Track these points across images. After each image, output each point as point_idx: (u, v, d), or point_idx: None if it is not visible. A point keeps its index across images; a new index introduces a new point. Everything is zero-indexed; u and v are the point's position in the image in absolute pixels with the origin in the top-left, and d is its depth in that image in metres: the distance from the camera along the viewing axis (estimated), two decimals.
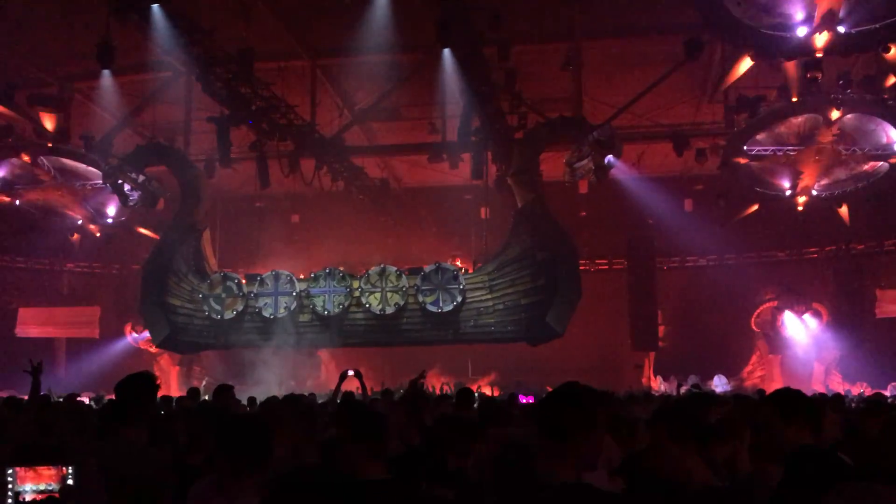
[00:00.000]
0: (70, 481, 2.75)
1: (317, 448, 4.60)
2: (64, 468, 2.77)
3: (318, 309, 18.12)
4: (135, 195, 19.01)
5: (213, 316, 18.37)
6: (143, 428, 3.68)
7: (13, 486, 2.62)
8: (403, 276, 17.97)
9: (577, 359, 21.15)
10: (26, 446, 3.76)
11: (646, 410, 7.14)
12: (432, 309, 17.58)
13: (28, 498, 2.67)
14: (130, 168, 18.42)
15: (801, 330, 23.88)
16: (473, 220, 22.30)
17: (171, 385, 24.87)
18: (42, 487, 2.71)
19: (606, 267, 25.87)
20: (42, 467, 2.76)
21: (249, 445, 2.96)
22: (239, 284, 18.54)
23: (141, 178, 18.64)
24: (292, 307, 18.19)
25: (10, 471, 2.67)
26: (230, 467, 2.87)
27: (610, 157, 16.32)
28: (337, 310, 18.04)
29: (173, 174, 19.75)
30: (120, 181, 18.47)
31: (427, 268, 17.93)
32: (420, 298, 17.66)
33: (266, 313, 18.22)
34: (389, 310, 17.79)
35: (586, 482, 2.60)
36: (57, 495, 2.67)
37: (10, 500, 2.63)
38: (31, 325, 25.26)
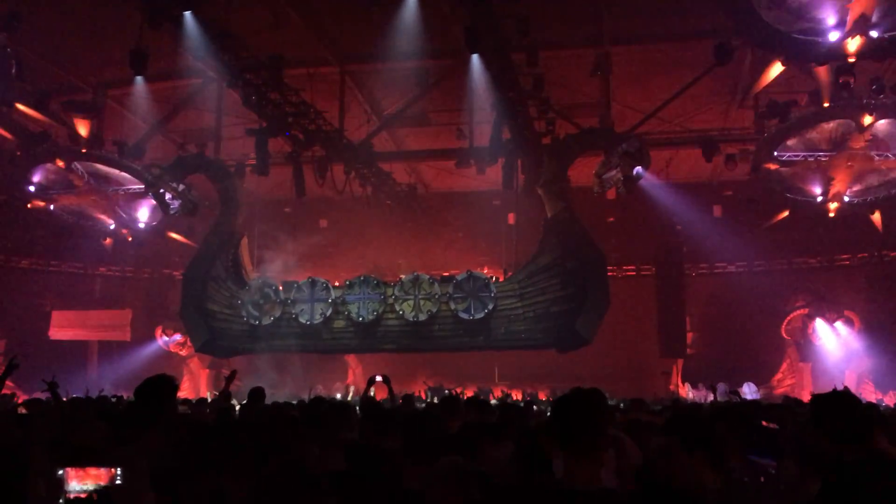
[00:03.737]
0: (119, 481, 2.79)
1: (342, 451, 4.62)
2: (113, 469, 2.82)
3: (353, 315, 18.38)
4: (175, 204, 19.34)
5: (252, 321, 18.70)
6: (162, 430, 3.70)
7: (64, 487, 2.67)
8: (436, 283, 18.24)
9: (604, 365, 21.04)
10: (73, 446, 3.82)
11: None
12: (464, 316, 17.80)
13: (73, 497, 2.71)
14: (171, 178, 18.80)
15: (833, 338, 23.55)
16: (502, 226, 22.33)
17: (201, 388, 25.14)
18: (91, 487, 2.76)
19: (634, 273, 25.71)
20: (91, 468, 2.80)
21: (240, 450, 2.99)
22: (276, 291, 18.87)
23: (181, 187, 19.04)
24: (328, 313, 18.47)
25: (60, 472, 2.72)
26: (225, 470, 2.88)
27: (638, 169, 16.34)
28: (371, 316, 18.31)
29: (212, 183, 20.05)
30: (162, 190, 18.88)
31: (459, 276, 18.19)
32: (452, 306, 17.90)
33: (303, 319, 18.52)
34: (422, 317, 18.04)
35: (607, 488, 2.63)
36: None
37: (61, 501, 2.67)
38: (64, 327, 25.66)
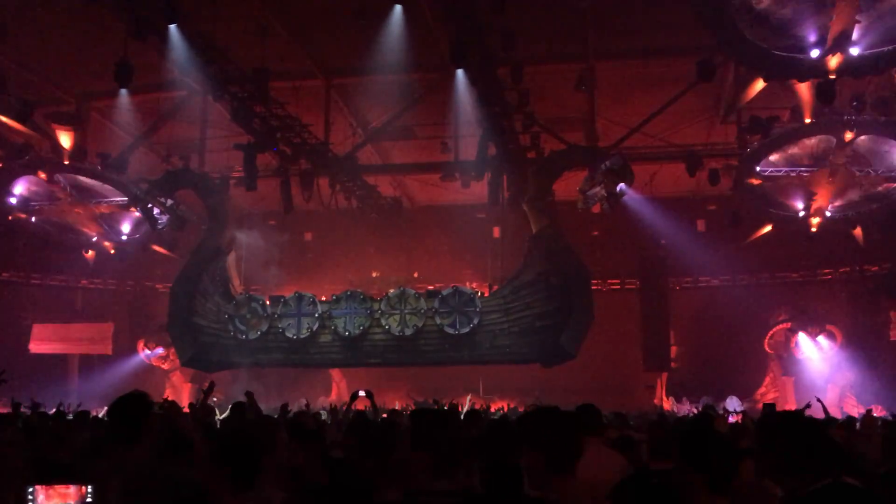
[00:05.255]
0: (90, 499, 2.74)
1: (325, 466, 4.60)
2: (83, 487, 2.76)
3: (340, 330, 18.40)
4: (164, 219, 19.26)
5: (239, 336, 18.67)
6: (141, 446, 3.65)
7: None
8: (422, 298, 18.30)
9: (588, 379, 21.07)
10: (44, 462, 3.76)
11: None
12: (450, 331, 17.87)
13: None
14: (160, 192, 18.73)
15: (815, 352, 23.69)
16: (486, 239, 22.36)
17: (183, 402, 24.92)
18: None
19: (619, 287, 25.78)
20: (61, 486, 2.75)
21: (242, 460, 3.02)
22: (263, 305, 18.87)
23: (170, 202, 18.96)
24: (315, 328, 18.46)
25: (30, 489, 2.66)
26: (227, 482, 2.88)
27: (622, 185, 16.45)
28: (357, 331, 18.34)
29: (201, 199, 19.97)
30: (150, 205, 18.79)
31: (445, 291, 18.25)
32: (438, 320, 17.97)
33: (289, 334, 18.52)
34: (408, 331, 18.10)
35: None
36: None
37: None
38: (45, 341, 25.40)
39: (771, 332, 24.72)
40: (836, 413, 16.75)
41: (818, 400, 11.16)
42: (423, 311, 18.17)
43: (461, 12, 13.03)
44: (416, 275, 24.42)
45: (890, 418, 12.15)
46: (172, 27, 13.66)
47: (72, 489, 2.74)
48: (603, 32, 16.84)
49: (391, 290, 18.81)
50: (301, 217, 22.89)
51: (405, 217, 23.70)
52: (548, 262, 17.50)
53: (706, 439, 3.21)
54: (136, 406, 3.74)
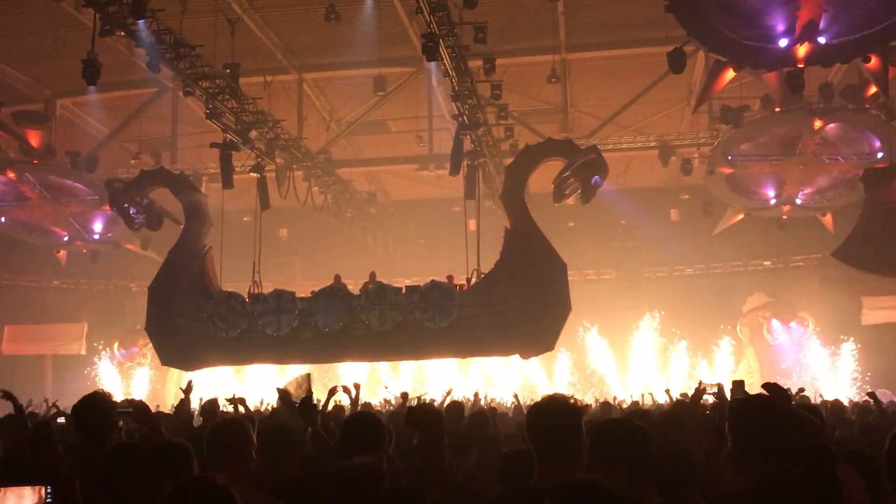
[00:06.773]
0: (49, 500, 2.68)
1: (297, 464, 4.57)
2: (42, 488, 2.70)
3: (320, 326, 18.27)
4: (140, 218, 19.03)
5: (219, 334, 18.46)
6: (106, 446, 3.60)
7: None
8: (401, 293, 18.20)
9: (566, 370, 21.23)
10: (7, 464, 3.71)
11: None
12: (429, 325, 17.80)
13: None
14: (135, 192, 18.51)
15: (788, 338, 23.99)
16: (463, 233, 22.39)
17: (160, 401, 24.74)
18: None
19: (595, 278, 25.91)
20: (18, 486, 2.68)
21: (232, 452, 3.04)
22: (243, 303, 18.68)
23: (146, 201, 18.73)
24: (295, 325, 18.34)
25: None
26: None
27: (596, 178, 16.48)
28: (338, 327, 18.22)
29: (177, 198, 19.72)
30: (126, 205, 18.56)
31: (423, 285, 18.18)
32: (417, 315, 17.88)
33: (269, 331, 18.34)
34: (388, 326, 18.00)
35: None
36: None
37: None
38: (18, 342, 25.04)
39: (744, 319, 25.00)
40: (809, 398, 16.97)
41: (803, 389, 11.34)
42: (402, 305, 18.14)
43: (433, 6, 13.01)
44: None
45: (863, 403, 12.34)
46: (141, 23, 13.49)
47: (28, 490, 2.68)
48: (575, 25, 16.89)
49: (370, 286, 18.73)
50: (276, 213, 22.74)
51: (381, 211, 23.66)
52: (524, 255, 17.54)
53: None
54: (98, 407, 3.70)
